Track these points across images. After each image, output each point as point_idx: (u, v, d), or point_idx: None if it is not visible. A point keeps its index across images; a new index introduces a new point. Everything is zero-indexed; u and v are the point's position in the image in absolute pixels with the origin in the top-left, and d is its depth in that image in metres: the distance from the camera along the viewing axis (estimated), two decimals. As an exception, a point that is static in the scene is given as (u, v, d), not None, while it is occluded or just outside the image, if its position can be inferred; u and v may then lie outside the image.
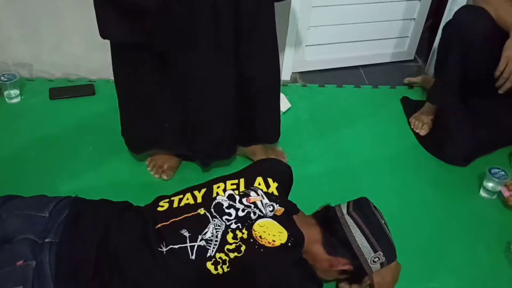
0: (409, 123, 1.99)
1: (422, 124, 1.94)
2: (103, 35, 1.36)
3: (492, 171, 1.64)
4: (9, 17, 1.91)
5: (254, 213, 1.16)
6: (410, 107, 2.07)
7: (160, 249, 1.12)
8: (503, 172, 1.64)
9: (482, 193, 1.69)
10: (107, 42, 1.99)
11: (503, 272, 1.44)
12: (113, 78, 2.09)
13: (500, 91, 1.59)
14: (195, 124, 1.52)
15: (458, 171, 1.78)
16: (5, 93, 1.89)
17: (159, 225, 1.17)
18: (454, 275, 1.42)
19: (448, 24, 1.76)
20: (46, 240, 1.15)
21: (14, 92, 1.90)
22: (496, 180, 1.63)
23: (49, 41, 2.00)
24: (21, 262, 1.10)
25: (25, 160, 1.68)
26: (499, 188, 1.65)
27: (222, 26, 1.33)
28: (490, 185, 1.66)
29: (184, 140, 1.56)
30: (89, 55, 2.05)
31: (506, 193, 1.62)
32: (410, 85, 2.25)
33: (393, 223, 1.24)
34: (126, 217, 1.24)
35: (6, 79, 1.86)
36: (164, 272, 1.11)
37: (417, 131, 1.94)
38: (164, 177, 1.63)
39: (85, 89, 2.00)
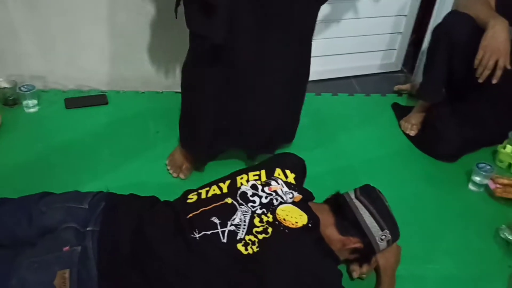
0: (400, 126, 2.17)
1: (411, 125, 2.12)
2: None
3: (479, 165, 1.82)
4: (27, 32, 2.03)
5: (276, 200, 1.29)
6: (400, 112, 2.25)
7: (193, 235, 1.23)
8: (489, 167, 1.82)
9: (471, 186, 1.86)
10: (117, 56, 2.17)
11: (493, 254, 1.60)
12: (123, 90, 2.24)
13: (480, 80, 1.76)
14: (253, 118, 1.65)
15: (448, 167, 1.95)
16: (24, 103, 2.00)
17: (190, 215, 1.28)
18: (450, 257, 1.57)
19: (437, 26, 1.96)
20: (88, 229, 1.26)
21: (32, 102, 2.01)
22: (483, 173, 1.80)
23: (63, 54, 2.12)
24: (67, 247, 1.21)
25: (48, 164, 1.78)
26: (485, 181, 1.81)
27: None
28: (477, 178, 1.83)
29: (237, 135, 1.69)
30: (100, 67, 2.18)
31: (492, 186, 1.79)
32: (399, 93, 2.44)
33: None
34: (158, 208, 1.36)
35: (26, 89, 1.98)
36: (198, 256, 1.21)
37: (407, 132, 2.12)
38: (182, 176, 1.75)
39: (99, 99, 2.12)
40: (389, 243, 1.36)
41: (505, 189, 1.77)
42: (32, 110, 2.02)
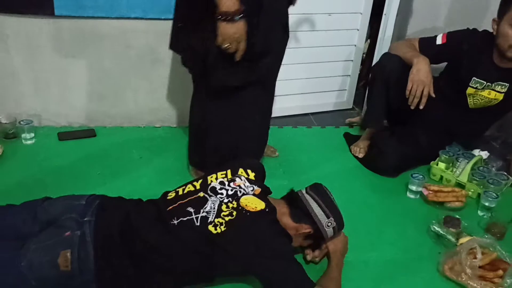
0: (350, 150, 2.52)
1: (360, 149, 2.47)
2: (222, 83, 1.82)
3: (414, 175, 2.16)
4: (26, 75, 2.35)
5: (240, 192, 1.59)
6: (350, 139, 2.61)
7: (172, 222, 1.51)
8: (421, 176, 2.16)
9: (409, 194, 2.19)
10: (104, 96, 2.48)
11: (426, 243, 1.90)
12: (109, 125, 2.55)
13: (412, 107, 2.12)
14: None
15: (390, 180, 2.30)
16: (22, 135, 2.29)
17: (170, 207, 1.56)
18: (390, 246, 1.87)
19: (374, 65, 2.38)
20: (85, 219, 1.51)
21: (30, 135, 2.30)
22: (417, 181, 2.14)
23: (56, 95, 2.44)
24: (69, 233, 1.46)
25: (44, 185, 2.03)
26: (419, 189, 2.15)
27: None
28: (413, 187, 2.16)
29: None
30: (89, 106, 2.50)
31: (425, 192, 2.12)
32: (351, 125, 2.82)
33: (344, 216, 1.65)
34: (143, 205, 1.65)
35: (24, 123, 2.27)
36: (176, 237, 1.48)
37: (356, 155, 2.47)
38: None
39: (88, 132, 2.43)
40: (335, 230, 1.65)
41: (436, 194, 2.11)
42: (29, 142, 2.31)
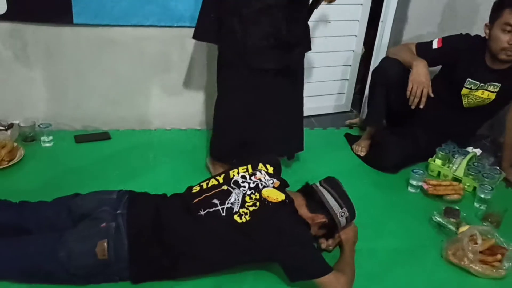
0: (352, 149, 2.67)
1: (361, 148, 2.62)
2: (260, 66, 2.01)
3: (414, 171, 2.31)
4: (43, 81, 2.46)
5: (261, 184, 1.71)
6: (351, 139, 2.76)
7: (199, 213, 1.63)
8: (421, 171, 2.31)
9: (410, 189, 2.34)
10: (118, 100, 2.59)
11: (428, 232, 2.04)
12: (122, 128, 2.65)
13: (412, 107, 2.27)
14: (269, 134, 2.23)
15: (391, 177, 2.44)
16: (41, 138, 2.39)
17: (195, 200, 1.68)
18: (395, 236, 2.00)
19: (375, 69, 2.52)
20: (118, 212, 1.63)
21: (48, 138, 2.40)
22: (417, 176, 2.29)
23: (72, 99, 2.54)
24: (104, 224, 1.58)
25: (64, 184, 2.09)
26: (420, 183, 2.30)
27: None
28: (414, 182, 2.31)
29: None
30: (103, 111, 2.60)
31: (425, 186, 2.27)
32: (350, 126, 2.97)
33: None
34: (169, 198, 1.77)
35: (43, 127, 2.37)
36: (204, 227, 1.60)
37: (358, 153, 2.62)
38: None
39: (103, 135, 2.53)
40: (347, 220, 1.78)
41: (435, 188, 2.26)
42: (47, 144, 2.41)
